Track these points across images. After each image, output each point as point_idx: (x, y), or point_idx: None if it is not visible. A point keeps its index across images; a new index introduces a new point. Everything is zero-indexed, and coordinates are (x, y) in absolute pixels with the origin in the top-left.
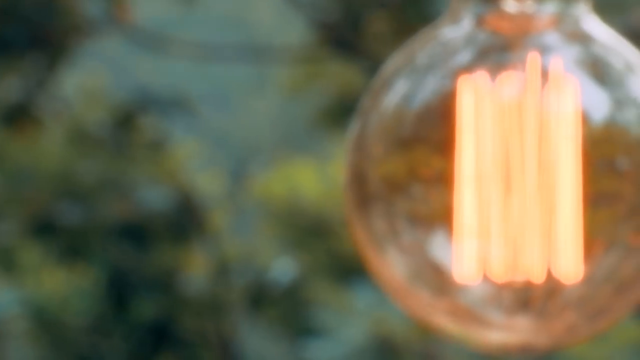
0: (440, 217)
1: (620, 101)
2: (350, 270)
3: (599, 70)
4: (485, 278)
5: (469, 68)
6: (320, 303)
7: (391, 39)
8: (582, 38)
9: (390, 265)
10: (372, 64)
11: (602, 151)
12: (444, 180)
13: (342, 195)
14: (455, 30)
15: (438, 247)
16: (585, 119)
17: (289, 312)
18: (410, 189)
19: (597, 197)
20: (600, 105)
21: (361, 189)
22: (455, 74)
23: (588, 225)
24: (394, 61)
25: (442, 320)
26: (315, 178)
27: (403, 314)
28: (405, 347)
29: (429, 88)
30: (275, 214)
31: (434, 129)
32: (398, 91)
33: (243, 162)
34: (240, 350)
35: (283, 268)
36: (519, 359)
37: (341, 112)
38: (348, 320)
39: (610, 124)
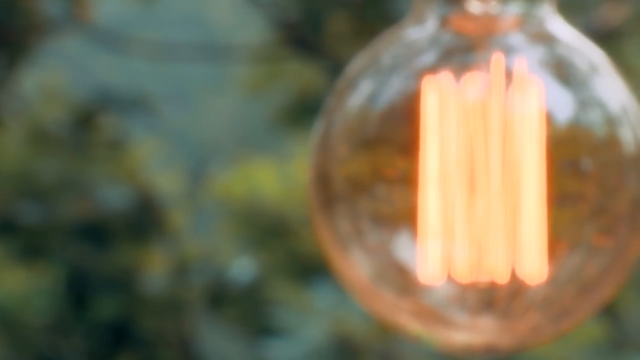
0: (405, 218)
1: (584, 102)
2: (310, 270)
3: (564, 71)
4: (450, 278)
5: (433, 69)
6: (280, 302)
7: (351, 39)
8: (546, 39)
9: (355, 266)
10: (332, 64)
11: (566, 152)
12: (409, 180)
13: (303, 194)
14: (420, 31)
15: (402, 248)
16: (550, 120)
17: (249, 312)
18: (375, 190)
19: (561, 198)
20: (564, 106)
21: (325, 189)
22: (420, 74)
23: (552, 225)
24: (359, 61)
25: (407, 321)
26: (275, 177)
27: (363, 314)
28: (365, 347)
29: (393, 88)
30: (235, 213)
31: (398, 130)
32: (362, 91)
33: (203, 161)
34: (199, 350)
35: (243, 267)
36: (483, 359)
37: (301, 111)
38: (308, 319)
39: (574, 124)
